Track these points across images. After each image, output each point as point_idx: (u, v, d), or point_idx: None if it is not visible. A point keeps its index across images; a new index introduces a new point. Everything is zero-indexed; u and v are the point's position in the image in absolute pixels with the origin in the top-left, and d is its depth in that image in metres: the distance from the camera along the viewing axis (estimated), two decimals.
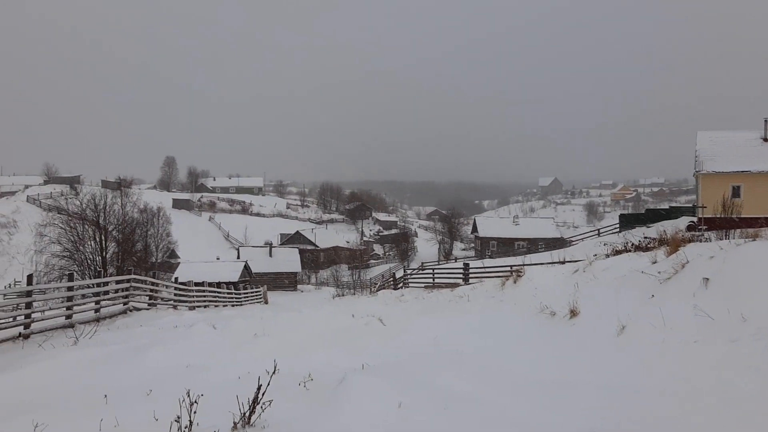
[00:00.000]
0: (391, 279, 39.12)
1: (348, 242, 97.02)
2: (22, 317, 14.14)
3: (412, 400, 5.90)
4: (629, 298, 9.84)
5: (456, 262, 59.87)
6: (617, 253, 16.15)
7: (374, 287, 45.16)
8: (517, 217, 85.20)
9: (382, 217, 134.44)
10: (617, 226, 46.53)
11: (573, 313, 10.73)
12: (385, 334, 12.88)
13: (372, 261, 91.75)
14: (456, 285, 24.71)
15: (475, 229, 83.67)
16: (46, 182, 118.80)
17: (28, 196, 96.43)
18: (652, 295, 9.25)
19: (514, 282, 17.41)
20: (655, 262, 11.14)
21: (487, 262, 41.39)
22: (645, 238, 17.41)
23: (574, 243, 49.41)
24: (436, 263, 62.94)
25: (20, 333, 13.37)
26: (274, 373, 6.40)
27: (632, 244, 16.64)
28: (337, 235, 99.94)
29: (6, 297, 31.61)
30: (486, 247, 76.85)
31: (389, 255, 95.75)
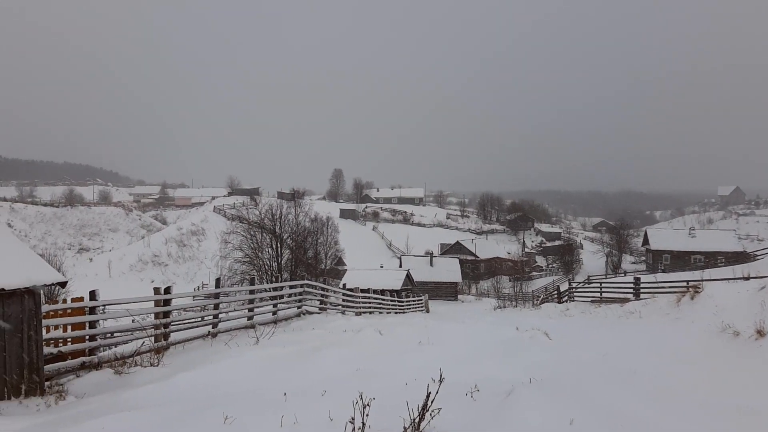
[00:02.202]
0: (555, 292, 38.01)
1: (509, 253, 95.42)
2: (210, 317, 15.56)
3: (583, 418, 5.78)
4: None
5: (625, 276, 56.82)
6: None
7: (537, 300, 44.10)
8: (693, 229, 78.92)
9: (544, 228, 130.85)
10: None
11: (760, 334, 9.86)
12: (551, 348, 12.60)
13: (534, 273, 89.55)
14: (626, 300, 23.55)
15: (646, 241, 78.86)
16: (229, 194, 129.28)
17: (214, 206, 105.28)
18: None
19: (691, 298, 16.28)
20: None
21: (660, 276, 38.98)
22: None
23: (759, 257, 45.08)
24: (603, 277, 60.14)
25: (209, 332, 14.70)
26: (441, 381, 6.53)
27: None
28: (498, 246, 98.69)
29: (195, 298, 34.79)
30: (658, 260, 72.18)
31: (552, 267, 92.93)
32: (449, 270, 67.49)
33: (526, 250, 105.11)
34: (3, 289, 8.41)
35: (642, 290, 24.02)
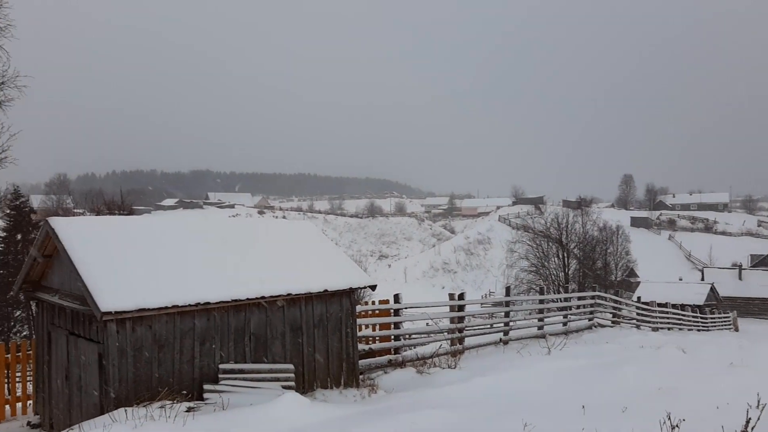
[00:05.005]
0: None
1: None
2: (500, 325, 15.93)
3: None
4: None
5: None
6: None
7: None
8: None
9: None
10: None
11: None
12: None
13: None
14: None
15: None
16: (514, 203, 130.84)
17: (499, 216, 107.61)
18: None
19: None
20: None
21: None
22: None
23: None
24: None
25: (500, 339, 15.07)
26: (762, 407, 5.89)
27: None
28: None
29: (483, 305, 35.82)
30: None
31: None
32: (762, 284, 59.80)
33: None
34: (326, 290, 9.64)
35: None
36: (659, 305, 26.86)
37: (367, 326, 12.55)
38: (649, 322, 24.27)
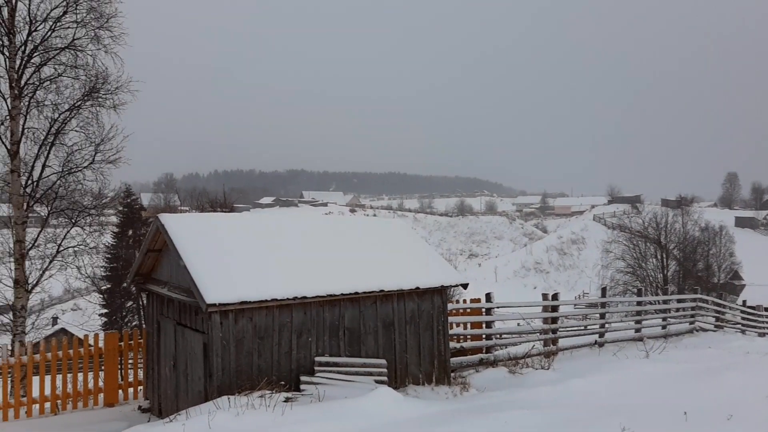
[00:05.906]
0: None
1: None
2: (596, 326, 15.55)
3: None
4: None
5: None
6: None
7: None
8: None
9: None
10: None
11: None
12: None
13: None
14: None
15: None
16: (609, 202, 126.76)
17: (594, 215, 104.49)
18: None
19: None
20: None
21: None
22: None
23: None
24: None
25: (596, 341, 14.72)
26: None
27: None
28: None
29: (576, 306, 35.00)
30: None
31: None
32: None
33: None
34: (418, 288, 9.74)
35: None
36: (767, 309, 25.49)
37: (458, 324, 12.57)
38: (755, 327, 23.07)
